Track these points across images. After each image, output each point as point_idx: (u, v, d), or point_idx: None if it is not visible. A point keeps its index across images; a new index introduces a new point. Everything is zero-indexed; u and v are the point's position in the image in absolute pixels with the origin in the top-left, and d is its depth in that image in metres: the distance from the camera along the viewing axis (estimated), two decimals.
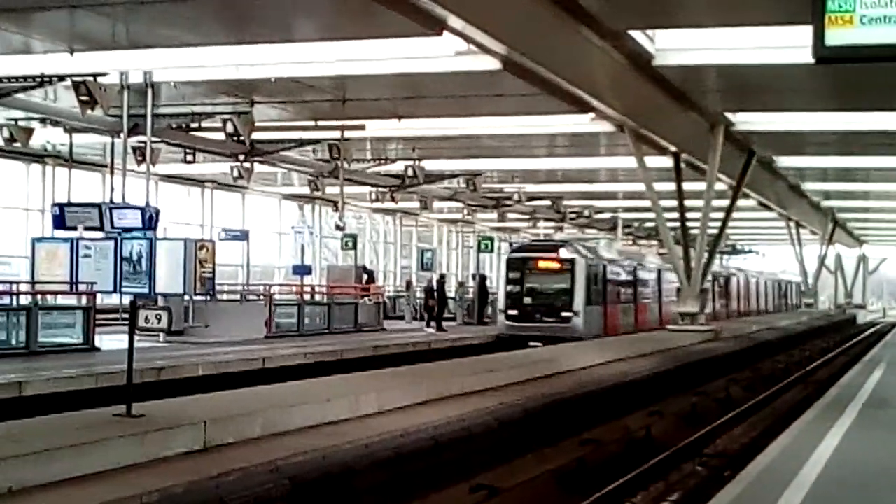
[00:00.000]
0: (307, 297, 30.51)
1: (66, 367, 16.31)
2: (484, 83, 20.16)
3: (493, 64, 17.24)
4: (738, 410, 18.82)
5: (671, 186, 28.60)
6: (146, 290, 22.41)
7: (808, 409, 14.08)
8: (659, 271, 38.43)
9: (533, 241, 40.85)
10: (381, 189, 35.99)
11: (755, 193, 36.41)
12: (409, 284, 39.35)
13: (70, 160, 26.74)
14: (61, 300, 22.12)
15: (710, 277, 32.76)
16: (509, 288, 31.03)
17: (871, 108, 23.17)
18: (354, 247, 36.67)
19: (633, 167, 26.77)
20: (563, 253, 31.05)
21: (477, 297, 36.15)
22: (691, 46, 18.58)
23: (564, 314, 29.90)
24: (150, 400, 10.84)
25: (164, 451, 8.62)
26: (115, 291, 23.41)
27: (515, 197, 41.22)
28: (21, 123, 24.35)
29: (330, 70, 19.61)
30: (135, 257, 22.47)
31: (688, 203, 29.31)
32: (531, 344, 26.19)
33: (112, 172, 25.25)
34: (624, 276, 35.03)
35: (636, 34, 17.86)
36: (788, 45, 16.55)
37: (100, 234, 23.10)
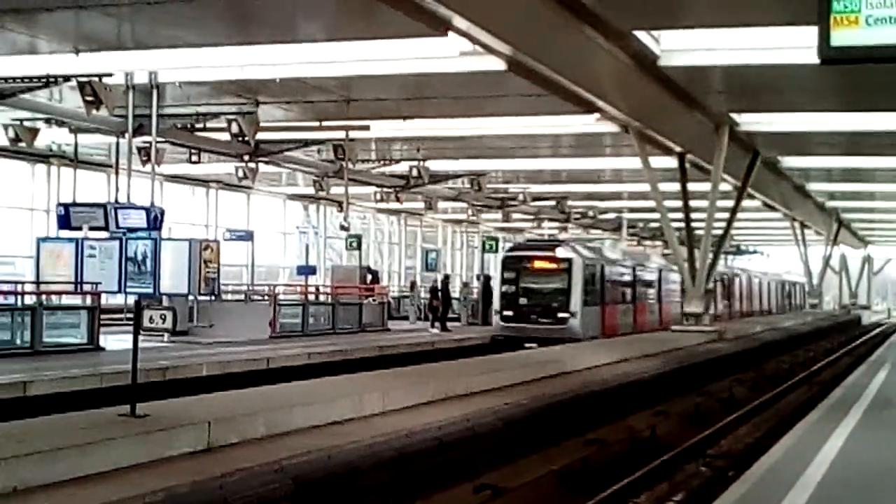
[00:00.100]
0: (311, 297, 30.51)
1: (70, 367, 16.32)
2: (489, 83, 20.16)
3: (497, 64, 17.23)
4: (742, 411, 18.79)
5: (676, 187, 28.60)
6: (151, 291, 22.41)
7: (813, 409, 14.06)
8: (660, 271, 38.10)
9: (529, 240, 40.40)
10: (385, 189, 35.99)
11: (760, 194, 36.39)
12: (413, 285, 39.34)
13: (75, 160, 26.79)
14: (66, 300, 22.15)
15: (714, 278, 32.62)
16: (505, 288, 30.64)
17: (877, 108, 23.14)
18: (359, 247, 36.61)
19: (638, 167, 26.77)
20: (560, 252, 30.71)
21: (481, 298, 36.11)
22: (696, 47, 18.57)
23: (561, 315, 29.44)
24: (154, 400, 10.85)
25: (168, 451, 8.63)
26: (119, 291, 23.42)
27: (520, 197, 41.20)
28: (26, 123, 24.38)
29: (335, 70, 19.62)
30: (139, 257, 22.48)
31: (692, 203, 29.28)
32: (527, 345, 25.64)
33: (117, 172, 25.28)
34: (623, 277, 34.60)
35: (641, 34, 17.85)
36: (794, 45, 16.51)
37: (104, 235, 23.12)
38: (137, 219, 22.20)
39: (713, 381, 21.30)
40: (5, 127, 24.33)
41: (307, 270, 33.55)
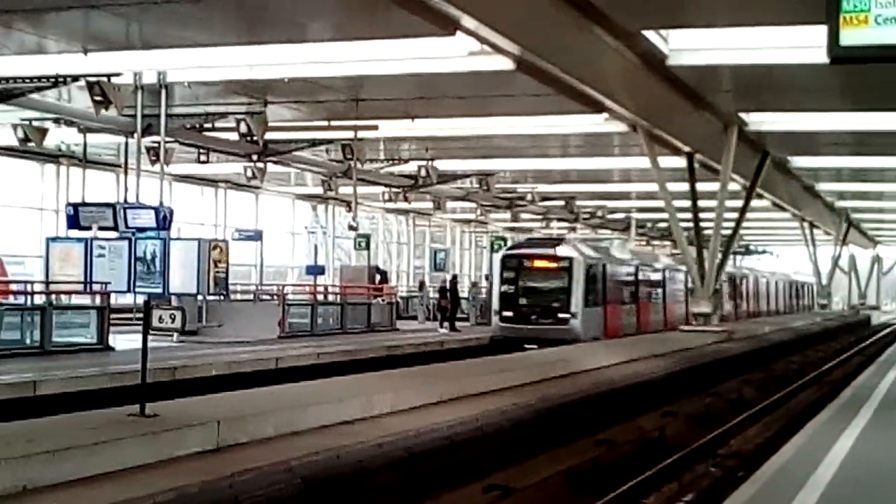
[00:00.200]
0: (320, 297, 30.57)
1: (80, 366, 16.36)
2: (497, 83, 20.14)
3: (506, 64, 17.22)
4: (751, 411, 18.78)
5: (684, 187, 28.55)
6: (160, 290, 22.40)
7: (823, 409, 14.04)
8: (664, 271, 37.46)
9: (529, 238, 39.43)
10: (394, 189, 36.00)
11: (769, 194, 36.29)
12: (422, 285, 39.35)
13: (84, 160, 26.81)
14: (75, 300, 22.22)
15: (723, 278, 32.49)
16: (504, 288, 29.84)
17: (886, 108, 23.04)
18: (367, 247, 36.67)
19: (647, 167, 26.72)
20: (560, 251, 30.04)
21: (490, 298, 36.07)
22: (705, 46, 18.51)
23: (561, 315, 28.77)
24: (163, 400, 10.87)
25: (177, 450, 8.64)
26: (128, 291, 23.40)
27: (529, 197, 41.19)
28: (35, 123, 24.41)
29: (343, 70, 19.61)
30: (149, 257, 22.47)
31: (701, 203, 29.24)
32: (526, 347, 24.86)
33: (126, 172, 25.36)
34: (626, 276, 33.89)
35: (650, 34, 17.82)
36: (802, 45, 16.47)
37: (114, 234, 23.13)
38: (146, 219, 22.22)
39: (722, 382, 21.27)
40: (14, 127, 24.36)
41: (316, 270, 33.58)
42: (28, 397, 14.30)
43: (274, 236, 40.64)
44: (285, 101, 23.65)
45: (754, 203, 32.85)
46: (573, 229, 50.76)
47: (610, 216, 50.11)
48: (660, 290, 37.02)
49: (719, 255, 29.29)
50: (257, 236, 35.86)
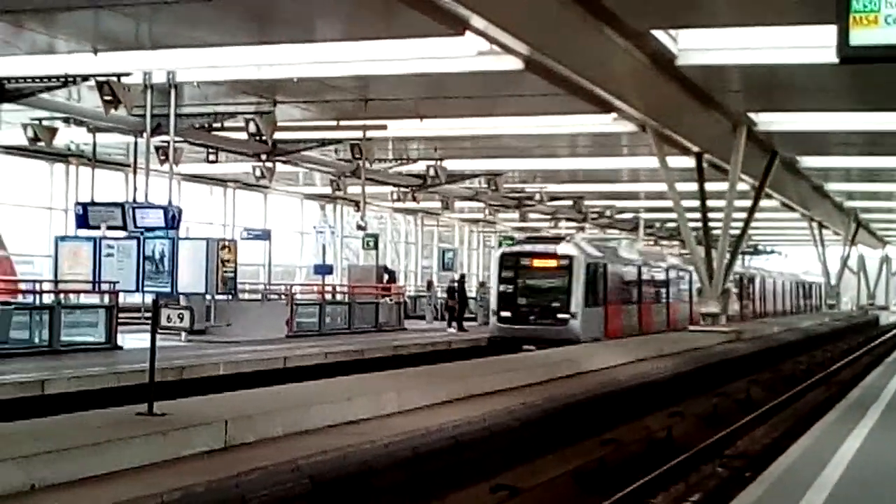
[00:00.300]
0: (328, 296, 30.58)
1: (88, 365, 16.40)
2: (506, 83, 20.14)
3: (515, 64, 17.22)
4: (759, 411, 18.75)
5: (693, 187, 28.50)
6: (168, 290, 22.46)
7: (831, 410, 14.02)
8: (667, 270, 36.70)
9: (528, 236, 37.74)
10: (402, 189, 36.01)
11: (778, 194, 36.24)
12: (430, 284, 39.36)
13: (93, 160, 26.84)
14: (84, 299, 22.29)
15: (731, 278, 32.35)
16: (502, 287, 28.89)
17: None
18: (376, 247, 36.67)
19: (655, 167, 26.70)
20: (561, 250, 29.05)
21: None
22: (714, 46, 18.51)
23: (561, 316, 27.90)
24: (171, 399, 10.89)
25: (185, 449, 8.65)
26: (137, 290, 23.47)
27: (537, 197, 41.18)
28: (45, 123, 24.46)
29: (352, 70, 19.63)
30: (157, 256, 22.51)
31: (710, 203, 29.19)
32: (525, 347, 24.19)
33: (135, 172, 25.36)
34: (628, 276, 33.03)
35: (659, 34, 17.81)
36: (812, 44, 16.47)
37: (122, 234, 23.18)
38: (155, 218, 22.24)
39: (730, 382, 21.25)
40: (24, 126, 24.41)
41: (324, 270, 33.59)
42: (36, 396, 14.34)
43: (282, 236, 40.66)
44: (294, 101, 23.68)
45: (763, 203, 32.81)
46: (581, 229, 50.70)
47: (618, 216, 50.06)
48: (663, 291, 36.26)
49: (728, 256, 29.23)
50: (266, 236, 35.85)
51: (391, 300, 31.76)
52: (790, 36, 17.31)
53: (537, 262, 29.20)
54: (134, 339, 19.86)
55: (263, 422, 9.78)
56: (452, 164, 32.03)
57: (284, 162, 29.82)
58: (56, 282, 22.78)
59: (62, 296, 20.88)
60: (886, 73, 16.80)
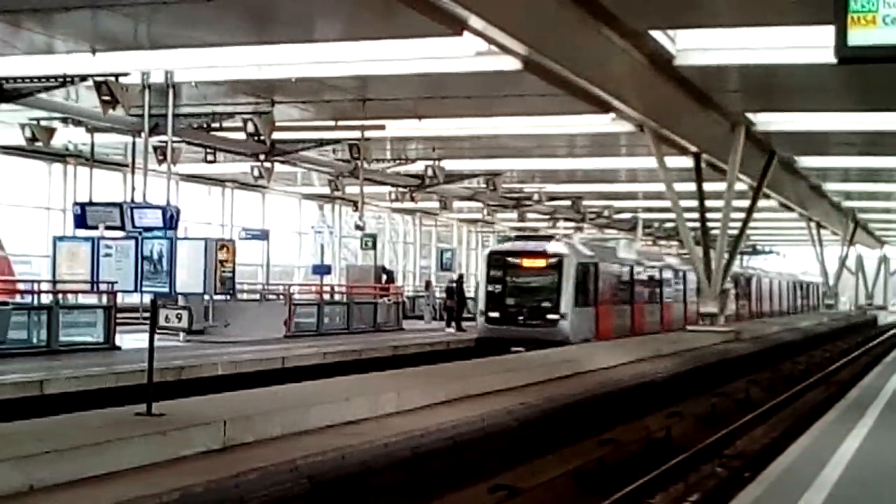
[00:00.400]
0: (326, 296, 30.56)
1: (86, 365, 16.39)
2: (504, 83, 20.15)
3: (513, 64, 17.22)
4: (758, 411, 18.76)
5: (691, 187, 28.51)
6: (167, 290, 22.43)
7: (830, 410, 14.02)
8: (661, 270, 36.07)
9: (517, 235, 37.25)
10: (400, 189, 36.02)
11: (776, 194, 36.27)
12: (428, 284, 39.36)
13: (91, 160, 26.84)
14: (82, 299, 22.25)
15: (729, 278, 32.27)
16: (490, 287, 28.17)
17: (894, 108, 23.04)
18: (374, 247, 36.66)
19: (654, 167, 26.70)
20: (550, 248, 28.49)
21: None
22: (712, 46, 18.53)
23: (550, 317, 27.23)
24: (170, 399, 10.88)
25: (183, 449, 8.65)
26: (135, 290, 23.44)
27: (535, 197, 41.19)
28: (43, 123, 24.46)
29: (351, 70, 19.64)
30: (155, 256, 22.48)
31: (708, 203, 29.20)
32: (513, 349, 23.44)
33: (133, 172, 25.33)
34: (620, 276, 32.28)
35: (657, 34, 17.82)
36: (810, 45, 16.48)
37: (121, 234, 23.16)
38: (153, 218, 22.21)
39: (729, 382, 21.25)
40: (22, 126, 24.41)
41: (322, 270, 33.58)
42: (35, 396, 14.32)
43: (280, 236, 40.65)
44: (292, 101, 23.68)
45: (761, 203, 32.84)
46: (580, 229, 50.73)
47: (616, 216, 50.07)
48: (656, 291, 35.52)
49: (726, 256, 29.24)
50: (264, 236, 35.85)
51: (389, 300, 31.74)
52: (788, 36, 17.33)
53: (526, 262, 28.64)
54: (132, 340, 19.84)
55: (262, 422, 9.78)
56: (451, 165, 32.04)
57: (283, 162, 29.82)
58: (54, 282, 22.77)
59: (60, 296, 20.86)
60: (884, 73, 16.80)
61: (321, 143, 28.22)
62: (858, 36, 8.93)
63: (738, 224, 31.18)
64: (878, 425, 12.06)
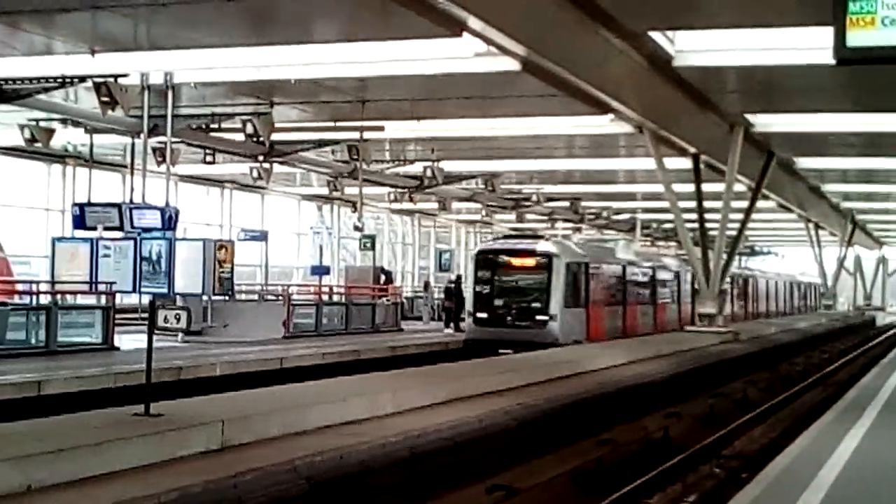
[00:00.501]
0: (325, 297, 30.57)
1: (85, 366, 16.39)
2: (503, 84, 20.16)
3: (512, 65, 17.23)
4: (756, 412, 18.77)
5: (690, 188, 28.53)
6: (165, 290, 22.47)
7: (828, 410, 14.04)
8: (654, 270, 35.42)
9: (506, 234, 36.38)
10: (399, 190, 36.01)
11: (774, 195, 36.29)
12: (427, 285, 39.37)
13: (90, 160, 26.84)
14: (81, 300, 22.25)
15: (728, 278, 32.22)
16: (478, 288, 27.57)
17: (893, 109, 23.05)
18: (373, 247, 36.66)
19: (652, 168, 26.71)
20: (540, 248, 27.95)
21: None
22: (711, 47, 18.52)
23: (539, 318, 26.65)
24: (168, 399, 10.88)
25: (181, 450, 8.65)
26: (134, 291, 23.48)
27: (534, 198, 41.19)
28: (42, 124, 24.44)
29: (350, 71, 19.65)
30: (154, 257, 22.53)
31: (707, 204, 29.22)
32: (501, 351, 22.93)
33: (132, 173, 25.34)
34: (612, 275, 31.61)
35: (656, 35, 17.82)
36: (809, 46, 16.48)
37: (119, 234, 23.18)
38: (152, 219, 22.25)
39: (727, 383, 21.26)
40: (21, 127, 24.40)
41: (321, 271, 33.59)
42: (33, 397, 14.33)
43: (279, 237, 40.67)
44: (291, 102, 23.69)
45: (760, 204, 32.84)
46: (578, 230, 50.77)
47: (615, 217, 50.09)
48: (650, 291, 34.90)
49: (724, 256, 29.24)
50: (263, 237, 35.87)
51: (388, 301, 31.75)
52: (787, 37, 17.32)
53: (515, 261, 28.00)
54: (131, 340, 19.85)
55: (260, 422, 9.78)
56: (449, 165, 32.04)
57: (281, 163, 29.84)
58: (53, 282, 22.78)
59: (59, 296, 20.86)
60: (883, 74, 16.80)
61: (320, 144, 28.22)
62: (857, 37, 8.95)
63: (737, 225, 31.19)
64: (876, 426, 12.06)
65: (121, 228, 22.88)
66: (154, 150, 24.29)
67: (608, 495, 11.22)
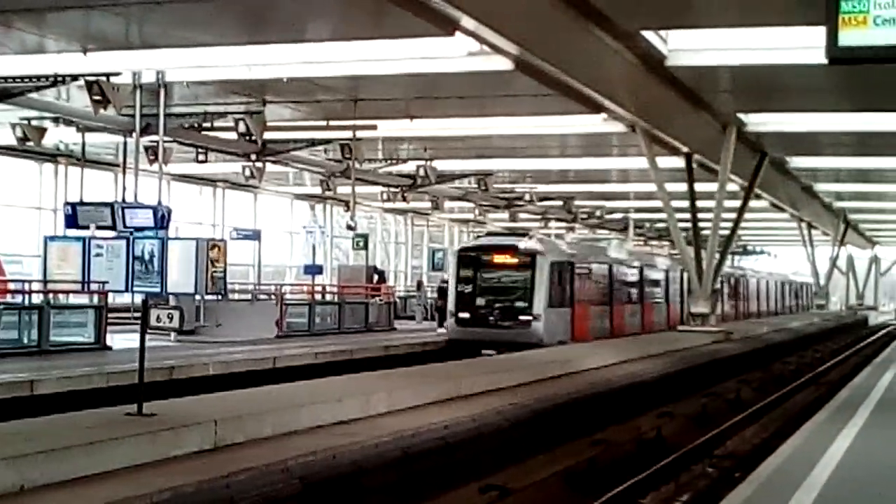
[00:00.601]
0: (318, 296, 30.54)
1: (77, 365, 16.35)
2: (496, 83, 20.15)
3: (505, 64, 17.23)
4: (749, 411, 18.78)
5: (683, 187, 28.56)
6: (158, 290, 22.42)
7: (820, 410, 14.04)
8: (642, 269, 34.97)
9: (489, 232, 35.76)
10: (392, 189, 35.99)
11: (767, 194, 36.33)
12: (419, 284, 39.35)
13: (82, 159, 26.78)
14: (73, 299, 22.21)
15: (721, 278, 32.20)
16: (460, 287, 27.06)
17: (885, 108, 23.08)
18: (365, 247, 36.65)
19: (645, 168, 26.74)
20: (523, 245, 27.25)
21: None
22: (704, 47, 18.53)
23: (522, 318, 26.09)
24: (161, 399, 10.87)
25: (174, 450, 8.64)
26: (126, 290, 23.43)
27: (527, 197, 41.20)
28: (34, 123, 24.38)
29: (342, 70, 19.60)
30: (146, 256, 22.47)
31: (700, 204, 29.25)
32: (484, 352, 22.76)
33: (124, 172, 25.30)
34: (598, 275, 30.96)
35: (649, 34, 17.83)
36: (802, 45, 16.49)
37: (112, 234, 23.13)
38: (144, 218, 22.20)
39: (720, 382, 21.28)
40: (13, 126, 24.34)
41: (314, 270, 33.58)
42: (25, 397, 14.29)
43: (272, 236, 40.63)
44: (284, 101, 23.65)
45: (752, 203, 32.88)
46: (571, 229, 50.78)
47: (608, 216, 50.11)
48: (637, 291, 34.46)
49: (717, 256, 29.27)
50: (255, 236, 35.84)
51: (381, 300, 31.74)
52: (780, 37, 17.34)
53: (498, 259, 27.38)
54: (123, 340, 19.83)
55: (253, 422, 9.78)
56: (442, 165, 32.03)
57: (274, 162, 29.78)
58: (45, 282, 22.72)
59: (51, 296, 20.81)
60: (875, 73, 16.84)
61: (313, 142, 28.18)
62: (849, 36, 8.96)
63: (730, 224, 31.24)
64: (869, 425, 12.08)
65: (113, 228, 22.83)
66: (146, 148, 24.22)
67: (601, 495, 11.21)
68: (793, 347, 32.66)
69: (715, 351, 24.21)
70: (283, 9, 16.12)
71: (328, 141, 27.75)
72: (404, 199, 36.66)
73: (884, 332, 50.35)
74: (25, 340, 18.79)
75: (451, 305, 27.34)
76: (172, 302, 22.62)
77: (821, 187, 42.19)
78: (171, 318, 10.56)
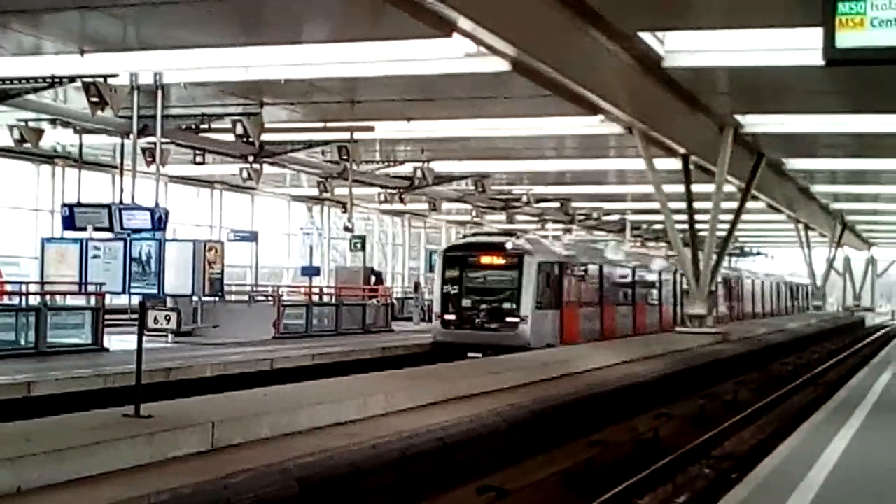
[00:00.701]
0: (315, 298, 30.53)
1: (75, 367, 16.34)
2: (493, 85, 20.16)
3: (502, 66, 17.24)
4: (746, 412, 18.79)
5: (680, 188, 28.57)
6: (155, 291, 22.44)
7: (817, 411, 14.05)
8: (634, 270, 34.45)
9: (476, 232, 35.11)
10: (389, 190, 35.98)
11: (764, 196, 36.35)
12: (417, 286, 39.34)
13: (80, 161, 26.78)
14: (70, 301, 22.20)
15: (718, 279, 32.18)
16: (446, 288, 26.51)
17: (882, 110, 23.11)
18: (363, 248, 36.67)
19: (642, 169, 26.74)
20: (510, 246, 26.63)
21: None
22: (701, 48, 18.56)
23: (509, 320, 25.57)
24: (158, 400, 10.86)
25: (172, 451, 8.64)
26: (124, 292, 23.44)
27: (524, 199, 41.18)
28: (31, 124, 24.37)
29: (340, 72, 19.61)
30: (144, 258, 22.50)
31: (697, 205, 29.25)
32: (470, 354, 22.51)
33: (122, 173, 25.28)
34: (589, 276, 30.31)
35: (646, 36, 17.85)
36: (799, 47, 16.51)
37: (109, 235, 23.13)
38: (142, 219, 22.20)
39: (717, 383, 21.29)
40: (10, 128, 24.33)
41: (311, 271, 33.57)
42: (22, 398, 14.28)
43: (269, 237, 40.62)
44: (281, 103, 23.65)
45: (749, 205, 32.90)
46: (569, 231, 50.78)
47: (605, 218, 50.11)
48: (629, 292, 33.92)
49: (714, 257, 29.28)
50: (253, 237, 35.84)
51: (378, 302, 31.74)
52: (777, 38, 17.36)
53: (484, 259, 26.78)
54: (120, 341, 19.80)
55: (251, 423, 9.77)
56: (439, 166, 32.03)
57: (271, 163, 29.79)
58: (42, 283, 22.72)
59: (48, 297, 20.79)
60: (872, 75, 16.87)
61: (310, 144, 28.18)
62: (846, 38, 8.98)
63: (727, 226, 31.25)
64: (866, 426, 12.09)
65: (110, 229, 22.83)
66: (144, 150, 24.22)
67: (599, 496, 11.22)
68: (790, 348, 32.67)
69: (712, 352, 24.22)
70: (280, 10, 16.12)
71: (325, 142, 27.76)
72: (401, 201, 36.63)
73: (881, 333, 50.40)
74: (22, 342, 18.78)
75: (436, 307, 26.97)
76: (170, 303, 22.64)
77: (818, 189, 42.22)
78: (168, 320, 10.54)
